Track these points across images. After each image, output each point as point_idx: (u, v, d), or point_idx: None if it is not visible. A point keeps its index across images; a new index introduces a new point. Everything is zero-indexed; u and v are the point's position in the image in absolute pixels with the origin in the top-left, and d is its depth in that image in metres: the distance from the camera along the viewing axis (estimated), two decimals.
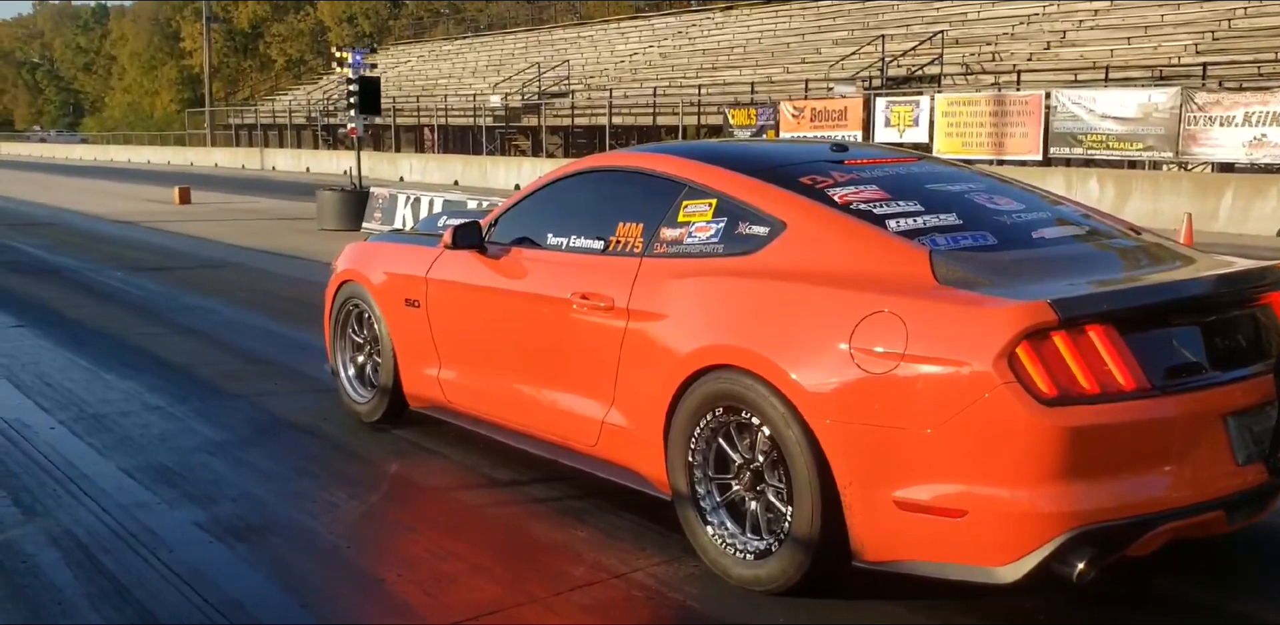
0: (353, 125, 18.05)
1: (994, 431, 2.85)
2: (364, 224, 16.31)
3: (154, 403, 5.89)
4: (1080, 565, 2.85)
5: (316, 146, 49.44)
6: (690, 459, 3.58)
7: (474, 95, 42.30)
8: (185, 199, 22.70)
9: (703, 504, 3.57)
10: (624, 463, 3.94)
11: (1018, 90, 22.93)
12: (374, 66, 18.90)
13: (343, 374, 5.60)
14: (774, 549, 3.33)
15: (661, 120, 33.02)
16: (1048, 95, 21.35)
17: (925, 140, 23.63)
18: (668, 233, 3.86)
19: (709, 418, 3.50)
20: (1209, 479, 3.04)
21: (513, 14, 60.30)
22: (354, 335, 5.53)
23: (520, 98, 40.44)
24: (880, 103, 24.79)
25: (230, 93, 73.17)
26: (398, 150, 44.09)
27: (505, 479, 4.61)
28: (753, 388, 3.31)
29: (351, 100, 17.53)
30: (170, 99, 79.70)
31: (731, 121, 28.29)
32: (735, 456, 3.49)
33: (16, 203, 23.91)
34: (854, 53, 30.27)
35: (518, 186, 29.12)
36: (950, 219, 3.50)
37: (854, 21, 34.95)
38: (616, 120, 33.99)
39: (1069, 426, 2.80)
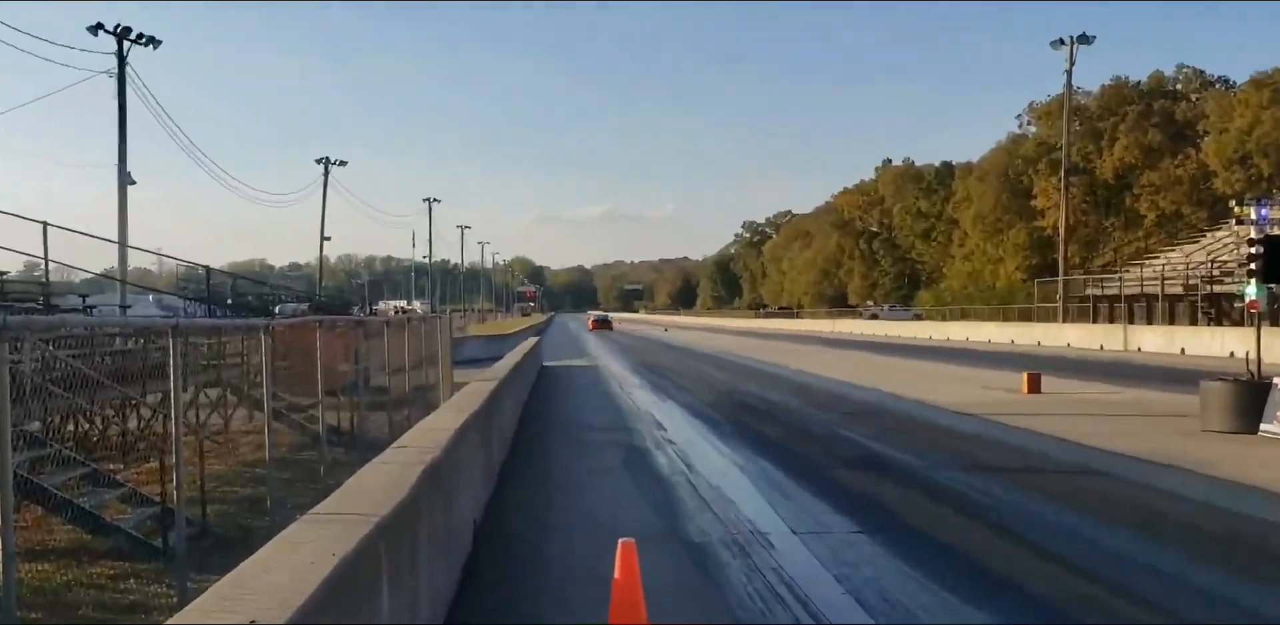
0: (1252, 297, 17.46)
1: None
2: (1262, 425, 15.42)
3: None
4: None
5: (1195, 321, 48.70)
6: None
7: None
8: (1034, 387, 23.59)
9: None
10: None
11: None
12: None
13: None
14: None
15: None
16: None
17: None
18: None
19: None
20: None
21: None
22: None
23: None
24: None
25: (1087, 257, 75.65)
26: None
27: None
28: None
29: (1252, 266, 17.02)
30: (1015, 266, 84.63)
31: None
32: None
33: (842, 385, 26.78)
34: None
35: None
36: None
37: None
38: None
39: None
